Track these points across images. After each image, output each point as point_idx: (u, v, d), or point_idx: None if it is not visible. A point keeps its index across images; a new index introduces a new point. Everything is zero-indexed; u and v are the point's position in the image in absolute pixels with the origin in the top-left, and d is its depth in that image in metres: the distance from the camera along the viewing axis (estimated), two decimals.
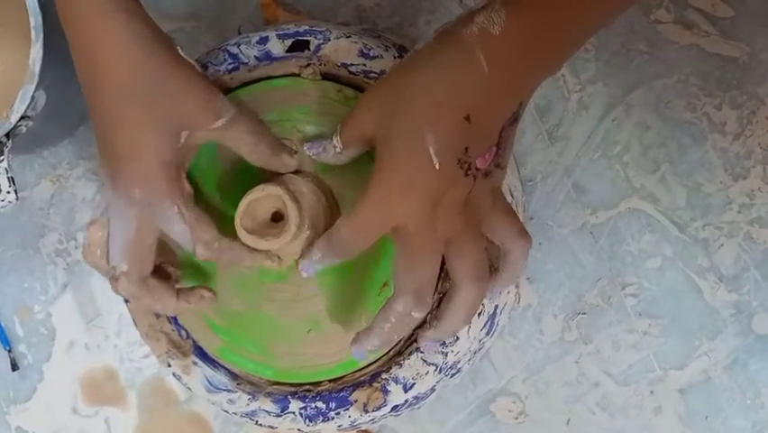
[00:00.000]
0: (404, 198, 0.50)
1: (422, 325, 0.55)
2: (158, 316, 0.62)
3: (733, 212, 0.68)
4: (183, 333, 0.62)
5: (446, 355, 0.59)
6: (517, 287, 0.68)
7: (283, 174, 0.58)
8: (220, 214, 0.60)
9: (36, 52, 0.61)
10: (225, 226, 0.56)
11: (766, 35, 0.68)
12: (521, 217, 0.65)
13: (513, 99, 0.49)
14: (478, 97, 0.48)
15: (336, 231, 0.52)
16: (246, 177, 0.59)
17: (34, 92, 0.61)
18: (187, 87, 0.53)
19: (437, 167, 0.48)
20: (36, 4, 0.61)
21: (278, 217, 0.56)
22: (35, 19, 0.61)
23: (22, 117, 0.62)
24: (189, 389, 0.63)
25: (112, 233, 0.54)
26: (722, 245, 0.68)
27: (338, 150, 0.55)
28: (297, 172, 0.59)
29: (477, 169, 0.50)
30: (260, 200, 0.54)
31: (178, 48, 0.54)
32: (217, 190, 0.60)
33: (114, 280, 0.54)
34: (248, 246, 0.55)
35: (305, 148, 0.57)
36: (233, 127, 0.55)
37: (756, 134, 0.68)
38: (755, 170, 0.68)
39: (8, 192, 0.61)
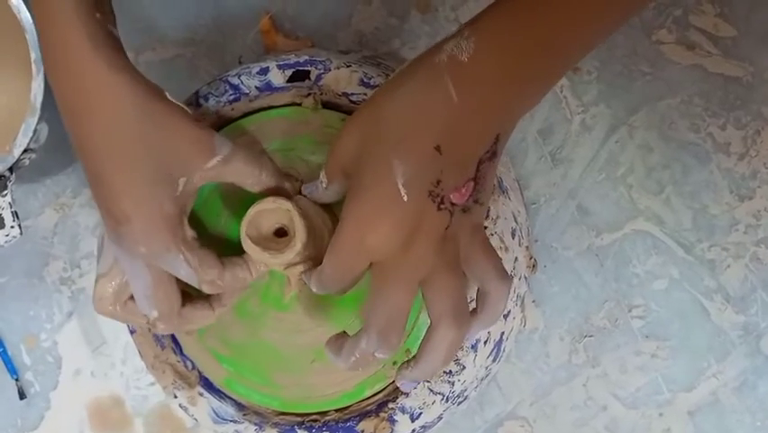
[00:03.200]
0: (374, 230, 0.48)
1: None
2: (162, 347, 0.62)
3: (739, 233, 0.68)
4: (188, 364, 0.62)
5: (453, 384, 0.59)
6: (523, 310, 0.68)
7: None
8: (224, 224, 0.60)
9: (37, 86, 0.61)
10: (230, 236, 0.57)
11: None
12: (525, 241, 0.65)
13: (487, 131, 0.48)
14: (447, 126, 0.47)
15: (321, 268, 0.51)
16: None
17: (36, 125, 0.62)
18: (179, 132, 0.52)
19: (405, 198, 0.47)
20: (37, 37, 0.61)
21: (281, 234, 0.55)
22: (36, 53, 0.61)
23: (25, 150, 0.62)
24: (196, 420, 0.63)
25: (132, 284, 0.54)
26: (729, 266, 0.68)
27: (324, 186, 0.54)
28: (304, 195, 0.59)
29: (452, 204, 0.48)
30: (268, 212, 0.54)
31: (167, 93, 0.53)
32: (223, 202, 0.61)
33: (152, 326, 0.55)
34: (247, 265, 0.55)
35: (303, 190, 0.57)
36: (231, 162, 0.54)
37: (761, 155, 0.68)
38: (761, 190, 0.68)
39: (12, 227, 0.61)
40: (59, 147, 0.69)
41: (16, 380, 0.76)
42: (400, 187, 0.47)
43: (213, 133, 0.54)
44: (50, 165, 0.73)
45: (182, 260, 0.53)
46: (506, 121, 0.48)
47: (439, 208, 0.47)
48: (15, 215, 0.62)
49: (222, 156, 0.53)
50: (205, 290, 0.55)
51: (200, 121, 0.55)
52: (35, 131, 0.62)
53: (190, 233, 0.54)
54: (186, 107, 0.54)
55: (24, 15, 0.62)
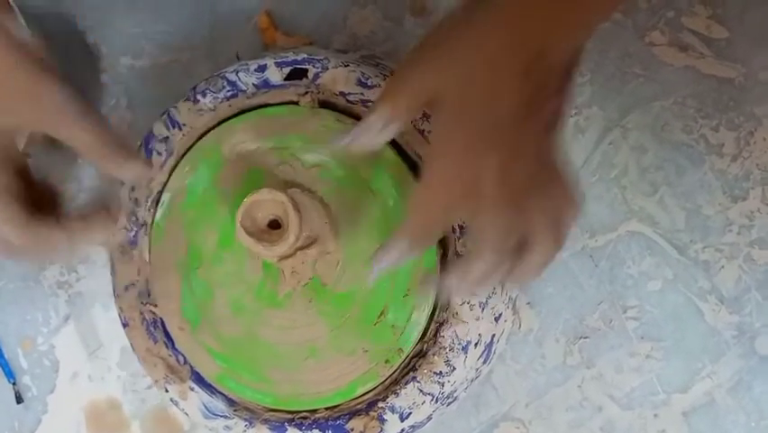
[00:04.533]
0: (493, 139, 0.46)
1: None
2: (155, 341, 0.62)
3: (733, 234, 0.68)
4: (180, 358, 0.62)
5: (443, 385, 0.59)
6: (515, 312, 0.68)
7: (288, 186, 0.58)
8: (221, 217, 0.60)
9: None
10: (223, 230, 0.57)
11: (762, 55, 0.68)
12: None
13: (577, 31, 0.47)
14: (542, 34, 0.45)
15: (415, 206, 0.49)
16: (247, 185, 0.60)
17: None
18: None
19: (516, 93, 0.46)
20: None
21: (274, 226, 0.56)
22: None
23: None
24: (187, 415, 0.63)
25: None
26: (722, 267, 0.68)
27: (380, 126, 0.49)
28: (300, 187, 0.59)
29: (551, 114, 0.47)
30: (262, 203, 0.54)
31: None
32: (218, 196, 0.61)
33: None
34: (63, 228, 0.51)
35: (334, 142, 0.52)
36: (62, 118, 0.49)
37: (754, 156, 0.68)
38: (754, 191, 0.68)
39: None
40: (55, 150, 0.70)
41: (13, 383, 0.76)
42: (509, 80, 0.45)
43: (45, 78, 0.48)
44: (45, 168, 0.73)
45: None
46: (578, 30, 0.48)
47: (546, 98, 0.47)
48: None
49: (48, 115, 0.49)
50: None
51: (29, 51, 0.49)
52: (30, 133, 0.62)
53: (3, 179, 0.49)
54: (21, 33, 0.49)
55: (20, 19, 0.62)
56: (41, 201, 0.52)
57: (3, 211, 0.49)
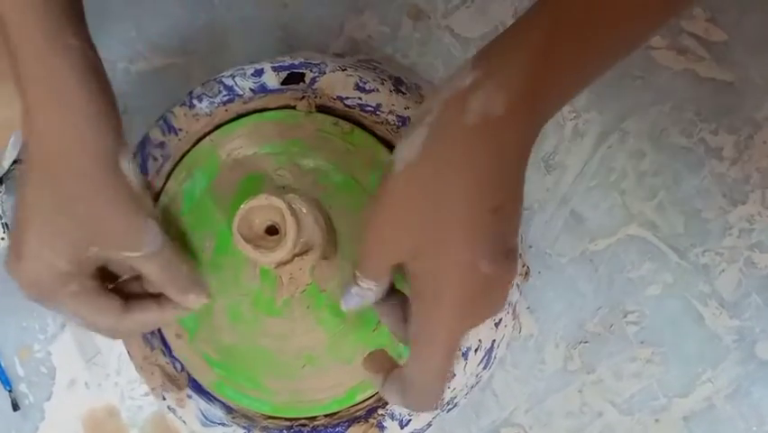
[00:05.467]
0: (471, 322, 0.47)
1: None
2: (152, 349, 0.62)
3: (733, 237, 0.68)
4: (178, 366, 0.62)
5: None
6: (516, 317, 0.68)
7: (285, 191, 0.58)
8: (217, 223, 0.60)
9: None
10: (222, 235, 0.57)
11: (761, 59, 0.68)
12: (519, 248, 0.65)
13: (526, 159, 0.46)
14: (498, 185, 0.45)
15: (410, 382, 0.49)
16: (245, 189, 0.59)
17: None
18: (112, 207, 0.51)
19: (491, 273, 0.45)
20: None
21: (272, 232, 0.55)
22: None
23: (14, 162, 0.62)
24: (184, 422, 0.62)
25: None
26: (723, 271, 0.68)
27: (369, 287, 0.50)
28: (298, 192, 0.59)
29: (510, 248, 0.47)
30: (259, 209, 0.54)
31: (126, 158, 0.51)
32: (215, 201, 0.61)
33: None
34: (160, 307, 0.56)
35: (343, 307, 0.52)
36: (149, 262, 0.53)
37: (754, 159, 0.68)
38: (754, 194, 0.68)
39: (2, 238, 0.61)
40: None
41: (10, 391, 0.75)
42: (484, 267, 0.45)
43: (148, 227, 0.52)
44: None
45: (65, 310, 0.52)
46: (535, 136, 0.47)
47: (512, 259, 0.46)
48: (5, 226, 0.62)
49: (141, 254, 0.52)
50: (105, 335, 0.55)
51: (140, 207, 0.52)
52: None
53: (88, 283, 0.52)
54: (137, 183, 0.52)
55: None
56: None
57: (96, 306, 0.53)
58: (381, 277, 0.49)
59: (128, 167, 0.51)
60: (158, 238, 0.53)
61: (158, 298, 0.56)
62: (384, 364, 0.51)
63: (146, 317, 0.55)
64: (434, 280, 0.46)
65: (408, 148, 0.45)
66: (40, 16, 0.49)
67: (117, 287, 0.56)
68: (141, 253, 0.52)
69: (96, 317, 0.53)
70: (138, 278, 0.56)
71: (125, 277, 0.56)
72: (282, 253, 0.53)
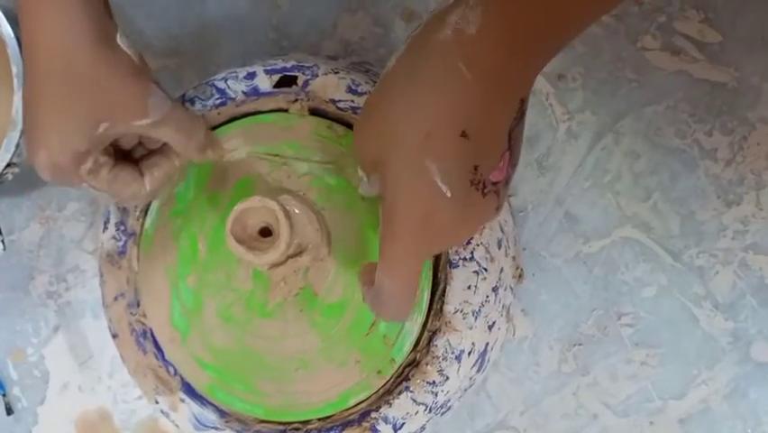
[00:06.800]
0: (429, 240, 0.46)
1: None
2: (144, 352, 0.62)
3: (727, 239, 0.68)
4: (171, 369, 0.62)
5: (436, 395, 0.58)
6: (510, 320, 0.68)
7: (279, 193, 0.58)
8: (210, 223, 0.60)
9: (19, 101, 0.61)
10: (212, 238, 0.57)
11: (755, 59, 0.68)
12: (512, 251, 0.65)
13: (511, 100, 0.44)
14: (468, 109, 0.43)
15: (381, 296, 0.49)
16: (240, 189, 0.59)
17: (19, 139, 0.61)
18: (114, 78, 0.52)
19: (450, 195, 0.44)
20: (17, 52, 0.61)
21: (265, 233, 0.55)
22: (17, 67, 0.61)
23: (7, 165, 0.62)
24: (177, 426, 0.62)
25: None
26: (717, 273, 0.68)
27: (366, 180, 0.50)
28: (291, 193, 0.58)
29: (494, 183, 0.45)
30: (253, 211, 0.54)
31: (118, 34, 0.53)
32: (209, 201, 0.60)
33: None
34: (167, 156, 0.57)
35: (361, 191, 0.52)
36: (161, 127, 0.54)
37: (748, 160, 0.67)
38: (748, 196, 0.67)
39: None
40: None
41: (3, 395, 0.75)
42: (441, 185, 0.44)
43: (151, 91, 0.53)
44: (33, 179, 0.72)
45: (87, 187, 0.54)
46: (525, 82, 0.45)
47: (484, 194, 0.45)
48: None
49: (151, 120, 0.53)
50: (131, 203, 0.60)
51: (141, 76, 0.53)
52: (17, 145, 0.62)
53: (102, 159, 0.54)
54: (133, 55, 0.53)
55: (5, 30, 0.62)
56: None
57: (114, 177, 0.55)
58: (370, 173, 0.49)
59: (123, 41, 0.53)
60: (166, 102, 0.54)
61: (161, 150, 0.57)
62: (372, 276, 0.51)
63: (161, 170, 0.57)
64: (391, 192, 0.46)
65: (394, 56, 0.46)
66: None
67: (128, 156, 0.58)
68: (151, 120, 0.53)
69: (117, 188, 0.55)
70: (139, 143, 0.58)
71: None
72: (275, 254, 0.53)
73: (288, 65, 0.62)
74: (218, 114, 0.62)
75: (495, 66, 0.43)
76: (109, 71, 0.52)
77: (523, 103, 0.45)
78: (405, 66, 0.45)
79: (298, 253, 0.57)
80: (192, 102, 0.62)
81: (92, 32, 0.51)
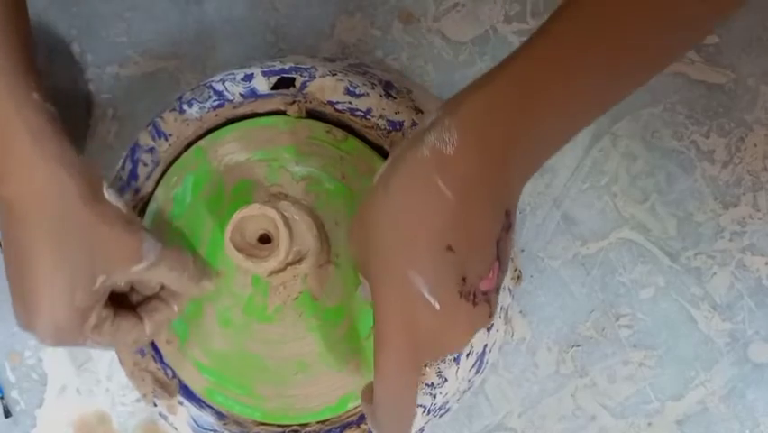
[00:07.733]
0: (422, 353, 0.46)
1: None
2: (142, 355, 0.62)
3: (724, 240, 0.68)
4: (169, 372, 0.62)
5: (435, 397, 0.58)
6: (507, 322, 0.68)
7: (278, 199, 0.58)
8: (209, 230, 0.60)
9: None
10: (214, 243, 0.57)
11: (751, 61, 0.68)
12: (511, 253, 0.65)
13: (495, 213, 0.45)
14: (451, 225, 0.44)
15: (376, 412, 0.48)
16: (238, 195, 0.59)
17: None
18: (110, 232, 0.52)
19: (438, 307, 0.44)
20: None
21: (264, 239, 0.55)
22: None
23: None
24: (175, 429, 0.62)
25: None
26: (715, 274, 0.68)
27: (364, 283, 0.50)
28: (290, 200, 0.58)
29: (485, 292, 0.46)
30: (252, 219, 0.54)
31: (105, 187, 0.53)
32: (207, 208, 0.60)
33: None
34: (167, 304, 0.57)
35: (359, 294, 0.53)
36: (157, 267, 0.55)
37: (745, 162, 0.68)
38: (745, 197, 0.68)
39: None
40: None
41: (1, 398, 0.75)
42: (429, 298, 0.44)
43: (142, 237, 0.54)
44: None
45: (91, 344, 0.54)
46: (509, 195, 0.46)
47: (474, 304, 0.45)
48: None
49: (147, 263, 0.54)
50: (131, 349, 0.59)
51: (131, 224, 0.54)
52: None
53: (104, 313, 0.54)
54: (121, 206, 0.54)
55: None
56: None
57: (117, 329, 0.55)
58: (364, 278, 0.49)
59: (110, 192, 0.53)
60: (157, 245, 0.54)
61: (158, 296, 0.58)
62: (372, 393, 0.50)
63: (162, 314, 0.57)
64: (378, 302, 0.46)
65: (378, 173, 0.47)
66: (6, 74, 0.50)
67: (123, 303, 0.58)
68: (146, 264, 0.54)
69: (120, 338, 0.55)
70: (132, 289, 0.58)
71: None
72: (275, 262, 0.53)
73: (286, 67, 0.62)
74: (216, 116, 0.62)
75: (474, 183, 0.44)
76: (103, 225, 0.52)
77: (509, 214, 0.46)
78: (386, 180, 0.46)
79: (298, 261, 0.57)
80: (189, 104, 0.62)
81: (80, 191, 0.51)
